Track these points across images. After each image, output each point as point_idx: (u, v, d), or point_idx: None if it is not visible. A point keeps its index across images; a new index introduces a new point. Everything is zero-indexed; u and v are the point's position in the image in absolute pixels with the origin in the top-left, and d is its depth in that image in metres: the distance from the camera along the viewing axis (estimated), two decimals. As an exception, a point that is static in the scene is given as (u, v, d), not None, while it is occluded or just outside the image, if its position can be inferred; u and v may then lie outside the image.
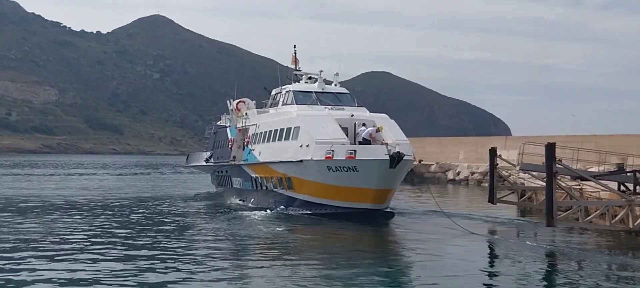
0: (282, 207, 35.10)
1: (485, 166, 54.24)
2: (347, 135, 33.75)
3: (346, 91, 39.36)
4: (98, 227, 28.79)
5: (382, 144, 31.91)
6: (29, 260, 20.81)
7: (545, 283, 19.08)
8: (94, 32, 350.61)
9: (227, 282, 18.13)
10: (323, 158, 31.68)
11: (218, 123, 51.60)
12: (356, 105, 37.89)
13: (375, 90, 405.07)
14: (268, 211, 34.54)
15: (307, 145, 32.74)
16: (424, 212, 36.35)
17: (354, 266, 20.32)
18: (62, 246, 23.29)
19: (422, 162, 69.41)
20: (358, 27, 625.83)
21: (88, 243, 23.95)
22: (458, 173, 64.61)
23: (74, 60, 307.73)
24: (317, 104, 37.05)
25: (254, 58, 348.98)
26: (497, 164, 34.76)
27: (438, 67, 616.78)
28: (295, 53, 43.17)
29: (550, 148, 24.80)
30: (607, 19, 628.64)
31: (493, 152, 34.47)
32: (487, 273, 20.60)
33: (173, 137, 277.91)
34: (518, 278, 19.08)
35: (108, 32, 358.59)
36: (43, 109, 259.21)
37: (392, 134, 33.78)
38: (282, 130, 36.05)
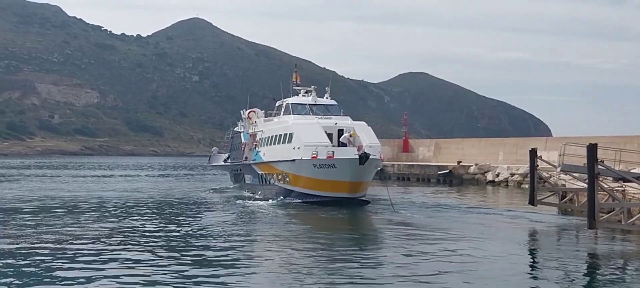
0: (281, 197, 42.82)
1: (525, 167, 53.70)
2: (331, 139, 41.50)
3: (335, 103, 47.49)
4: (131, 218, 33.09)
5: (357, 146, 39.22)
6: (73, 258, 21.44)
7: (586, 285, 18.88)
8: (134, 35, 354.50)
9: (233, 261, 21.87)
10: (310, 157, 39.68)
11: (235, 129, 60.07)
12: (342, 114, 45.78)
13: (414, 91, 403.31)
14: (271, 201, 42.04)
15: (299, 148, 40.80)
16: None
17: (335, 244, 25.88)
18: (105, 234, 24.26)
19: (460, 163, 69.28)
20: (396, 28, 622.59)
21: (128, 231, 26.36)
22: (497, 175, 63.99)
23: (114, 63, 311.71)
24: (310, 114, 45.09)
25: (291, 60, 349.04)
26: (538, 165, 34.40)
27: (477, 67, 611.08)
28: (296, 72, 52.20)
29: (592, 149, 24.50)
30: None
31: (533, 153, 34.14)
32: (528, 275, 20.46)
33: (212, 139, 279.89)
34: (557, 280, 18.92)
35: (148, 35, 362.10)
36: (85, 112, 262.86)
37: (367, 138, 41.49)
38: (280, 135, 44.26)
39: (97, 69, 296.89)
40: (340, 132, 42.48)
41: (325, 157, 39.24)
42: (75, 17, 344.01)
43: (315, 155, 39.48)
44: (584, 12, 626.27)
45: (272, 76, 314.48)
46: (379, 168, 42.97)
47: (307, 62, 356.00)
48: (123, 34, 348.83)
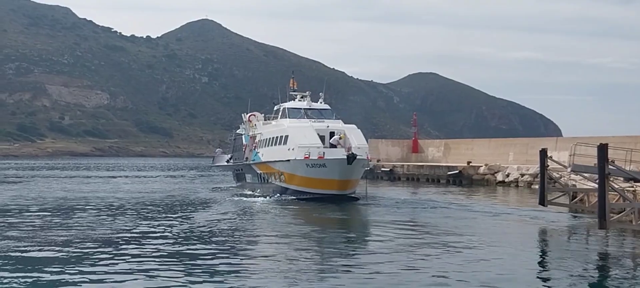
0: (278, 195, 46.15)
1: (535, 168, 53.54)
2: (323, 141, 44.62)
3: (328, 107, 50.91)
4: (142, 214, 34.55)
5: (346, 147, 42.80)
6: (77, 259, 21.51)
7: (596, 285, 18.80)
8: (144, 36, 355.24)
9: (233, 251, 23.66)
10: (303, 158, 42.99)
11: (237, 132, 63.85)
12: (335, 118, 49.06)
13: (423, 91, 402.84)
14: (269, 198, 45.77)
15: (293, 149, 44.14)
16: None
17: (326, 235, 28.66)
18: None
19: (470, 164, 69.10)
20: (405, 28, 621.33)
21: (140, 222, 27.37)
22: (507, 175, 63.83)
23: (124, 64, 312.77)
24: (304, 118, 48.34)
25: (300, 60, 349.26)
26: (548, 166, 34.27)
27: (486, 67, 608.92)
28: (293, 78, 56.06)
29: (603, 149, 24.43)
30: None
31: (544, 153, 34.02)
32: (539, 275, 20.39)
33: (221, 140, 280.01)
34: (568, 281, 18.85)
35: (158, 37, 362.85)
36: (95, 113, 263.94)
37: (356, 140, 44.84)
38: (277, 137, 47.71)
39: (107, 71, 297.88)
40: (332, 134, 45.75)
41: (316, 157, 42.62)
42: (85, 18, 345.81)
43: (307, 156, 42.93)
44: (594, 11, 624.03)
45: (281, 77, 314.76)
46: (366, 168, 46.58)
47: (316, 63, 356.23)
48: (133, 36, 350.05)
